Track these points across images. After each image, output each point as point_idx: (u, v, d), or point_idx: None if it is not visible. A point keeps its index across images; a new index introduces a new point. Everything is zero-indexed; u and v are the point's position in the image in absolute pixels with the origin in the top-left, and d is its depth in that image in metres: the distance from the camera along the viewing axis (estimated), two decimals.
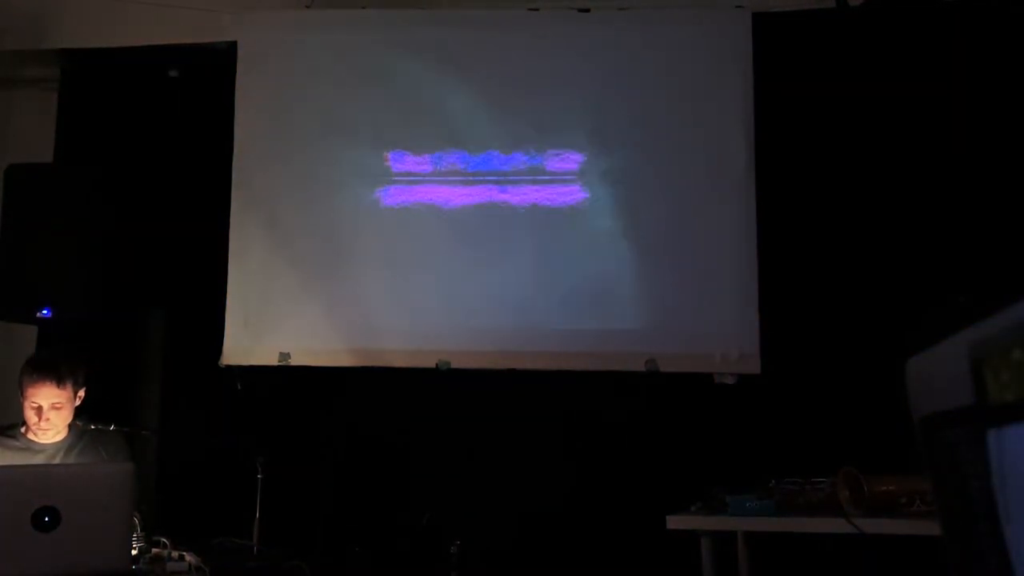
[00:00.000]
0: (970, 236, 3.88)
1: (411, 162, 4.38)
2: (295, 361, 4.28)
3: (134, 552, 2.75)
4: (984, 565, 0.49)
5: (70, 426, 3.28)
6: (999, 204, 3.88)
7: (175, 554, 2.86)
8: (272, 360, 4.29)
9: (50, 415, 3.18)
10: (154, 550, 2.91)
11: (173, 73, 4.61)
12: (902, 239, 3.98)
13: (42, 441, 3.23)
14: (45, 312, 3.98)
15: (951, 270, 3.82)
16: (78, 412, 3.30)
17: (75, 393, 3.25)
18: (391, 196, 4.37)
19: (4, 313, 4.10)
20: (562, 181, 4.27)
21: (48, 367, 3.19)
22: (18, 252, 3.99)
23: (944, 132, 3.97)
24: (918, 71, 4.03)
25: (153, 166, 4.49)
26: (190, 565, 2.83)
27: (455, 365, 4.19)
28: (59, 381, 3.18)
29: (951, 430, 0.51)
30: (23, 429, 3.25)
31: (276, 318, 4.33)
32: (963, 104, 3.97)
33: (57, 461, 3.22)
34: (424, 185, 4.35)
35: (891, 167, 4.04)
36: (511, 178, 4.31)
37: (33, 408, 3.17)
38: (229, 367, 4.32)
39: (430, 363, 4.20)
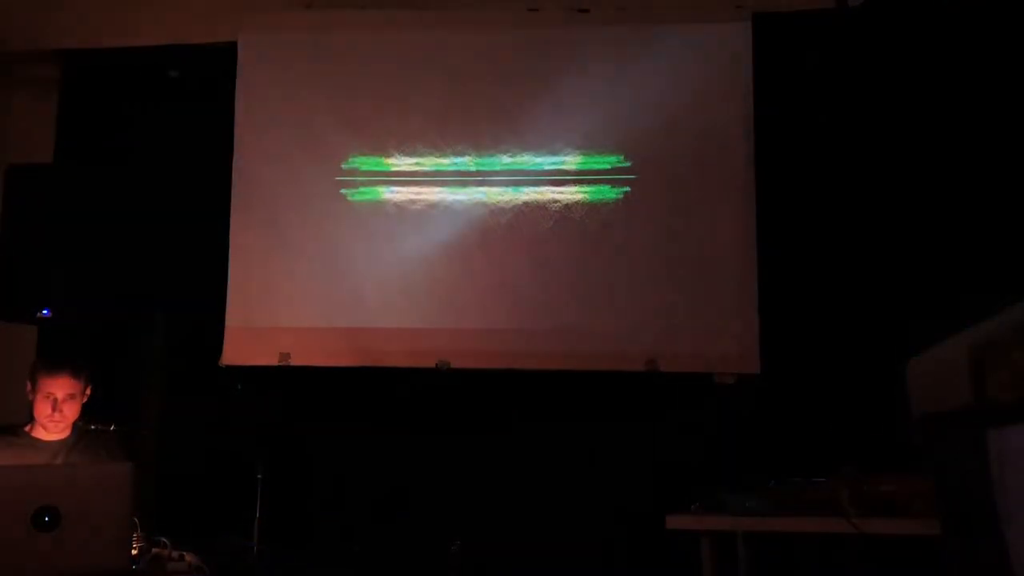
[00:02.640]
0: (970, 236, 3.88)
1: (411, 162, 4.38)
2: (295, 361, 4.28)
3: (134, 552, 2.75)
4: (984, 565, 0.49)
5: (73, 425, 3.30)
6: (999, 204, 3.88)
7: (175, 554, 2.86)
8: (272, 360, 4.29)
9: (63, 407, 3.24)
10: (154, 550, 2.91)
11: (173, 73, 4.61)
12: (902, 239, 3.98)
13: (47, 439, 3.25)
14: (45, 312, 3.98)
15: (951, 270, 3.82)
16: (80, 412, 3.32)
17: (85, 388, 3.33)
18: (391, 196, 4.37)
19: (4, 313, 4.10)
20: (561, 181, 4.27)
21: (64, 359, 3.28)
22: (18, 252, 3.99)
23: (944, 132, 3.97)
24: (918, 71, 4.03)
25: (153, 166, 4.49)
26: (190, 565, 2.83)
27: (455, 365, 4.19)
28: (75, 373, 3.26)
29: (951, 430, 0.51)
30: (27, 427, 3.28)
31: (276, 318, 4.34)
32: (963, 104, 3.97)
33: (59, 459, 3.24)
34: (424, 185, 4.35)
35: (891, 167, 4.04)
36: (511, 178, 4.31)
37: (48, 400, 3.23)
38: (229, 367, 4.32)
39: (430, 363, 4.20)
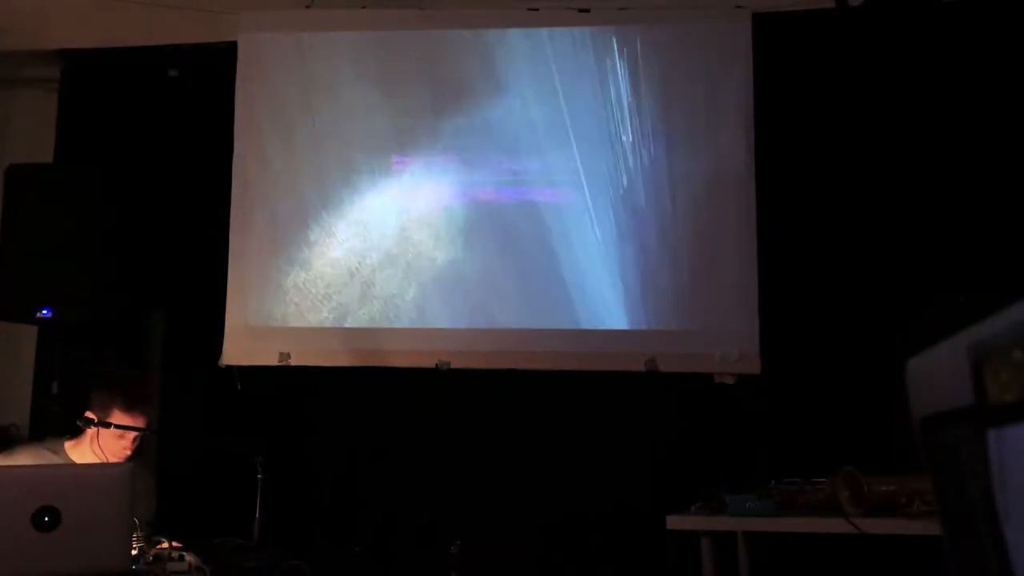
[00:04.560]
0: (970, 236, 3.88)
1: (411, 162, 4.38)
2: (295, 361, 4.28)
3: (134, 552, 2.74)
4: (984, 565, 0.49)
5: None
6: (999, 204, 3.88)
7: (175, 554, 2.86)
8: (272, 360, 4.29)
9: (134, 444, 3.15)
10: (154, 550, 2.90)
11: (173, 73, 4.61)
12: (902, 239, 3.98)
13: (83, 461, 3.17)
14: (45, 312, 3.98)
15: (951, 270, 3.82)
16: None
17: None
18: (391, 196, 4.37)
19: (4, 313, 4.09)
20: (562, 181, 4.27)
21: (144, 397, 3.20)
22: (18, 252, 3.99)
23: (944, 132, 3.97)
24: (918, 71, 4.03)
25: (153, 166, 4.49)
26: (190, 565, 2.83)
27: (455, 365, 4.19)
28: (148, 411, 3.19)
29: (951, 430, 0.51)
30: (68, 443, 3.16)
31: (276, 318, 4.34)
32: (963, 104, 3.97)
33: None
34: (424, 185, 4.35)
35: (891, 167, 4.04)
36: (511, 178, 4.31)
37: (126, 438, 3.11)
38: (229, 367, 4.32)
39: (430, 363, 4.20)
